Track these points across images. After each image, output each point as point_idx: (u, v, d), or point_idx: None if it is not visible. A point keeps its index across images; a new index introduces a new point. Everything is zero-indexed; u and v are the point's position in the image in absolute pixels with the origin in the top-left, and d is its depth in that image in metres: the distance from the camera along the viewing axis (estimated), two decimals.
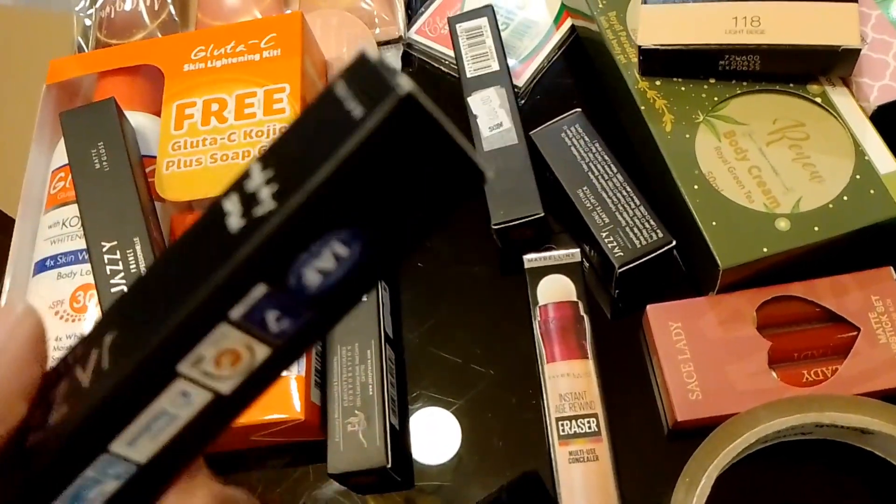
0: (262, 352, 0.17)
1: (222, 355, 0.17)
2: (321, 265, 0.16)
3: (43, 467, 0.17)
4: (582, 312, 0.38)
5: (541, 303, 0.39)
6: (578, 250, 0.40)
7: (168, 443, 0.18)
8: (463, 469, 0.39)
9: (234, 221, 0.16)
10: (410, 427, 0.40)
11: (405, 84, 0.15)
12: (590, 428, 0.36)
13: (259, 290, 0.16)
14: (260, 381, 0.18)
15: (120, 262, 0.37)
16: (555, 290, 0.39)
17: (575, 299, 0.39)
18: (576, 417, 0.36)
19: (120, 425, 0.17)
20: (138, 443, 0.18)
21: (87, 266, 0.39)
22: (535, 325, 0.39)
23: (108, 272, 0.37)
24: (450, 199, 0.17)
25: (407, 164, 0.15)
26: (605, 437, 0.36)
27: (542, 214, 0.40)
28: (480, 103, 0.44)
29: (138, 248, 0.37)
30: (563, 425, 0.36)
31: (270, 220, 0.15)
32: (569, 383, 0.37)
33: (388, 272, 0.20)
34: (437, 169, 0.16)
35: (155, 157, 0.43)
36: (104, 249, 0.38)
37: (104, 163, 0.40)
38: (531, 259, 0.40)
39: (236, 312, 0.16)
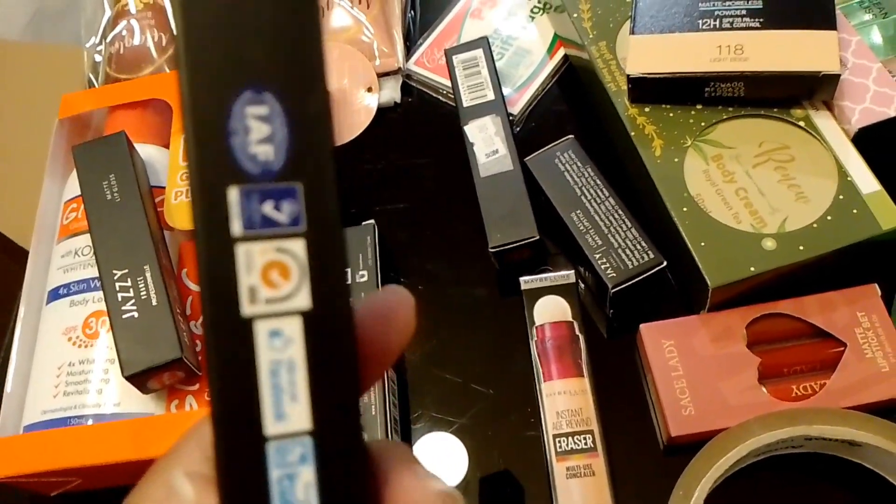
0: (297, 247, 0.17)
1: (267, 275, 0.16)
2: (257, 136, 0.16)
3: (226, 493, 0.16)
4: (577, 332, 0.40)
5: (537, 323, 0.40)
6: (573, 272, 0.41)
7: (314, 392, 0.16)
8: (469, 490, 0.40)
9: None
10: (416, 449, 0.41)
11: None
12: (586, 444, 0.37)
13: (232, 194, 0.16)
14: (327, 277, 0.17)
15: (131, 290, 0.39)
16: (551, 311, 0.40)
17: (570, 319, 0.40)
18: (573, 434, 0.37)
19: (249, 404, 0.16)
20: (285, 411, 0.16)
21: (99, 293, 0.41)
22: (532, 345, 0.40)
23: (120, 299, 0.39)
24: None
25: None
26: (601, 453, 0.37)
27: (538, 237, 0.41)
28: (477, 131, 0.46)
29: (148, 275, 0.39)
30: (560, 442, 0.37)
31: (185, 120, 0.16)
32: (565, 401, 0.38)
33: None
34: None
35: (164, 188, 0.45)
36: (116, 277, 0.39)
37: (115, 194, 0.41)
38: (527, 281, 0.42)
39: (235, 228, 0.16)
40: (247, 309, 0.16)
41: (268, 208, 0.16)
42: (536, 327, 0.40)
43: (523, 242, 0.42)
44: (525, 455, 0.39)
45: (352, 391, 0.17)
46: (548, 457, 0.37)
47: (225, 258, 0.16)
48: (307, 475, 0.16)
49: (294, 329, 0.16)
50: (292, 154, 0.17)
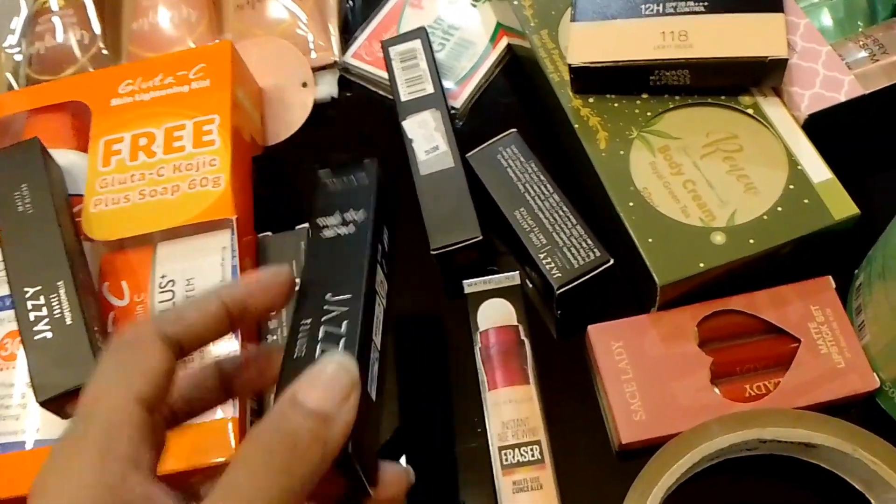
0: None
1: None
2: None
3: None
4: (523, 336, 0.38)
5: (481, 328, 0.39)
6: (517, 273, 0.39)
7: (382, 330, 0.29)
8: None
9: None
10: None
11: None
12: (533, 455, 0.35)
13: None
14: None
15: (44, 308, 0.36)
16: (495, 315, 0.38)
17: (515, 323, 0.38)
18: (519, 446, 0.35)
19: (372, 330, 0.27)
20: (376, 336, 0.28)
21: (13, 312, 0.38)
22: (477, 351, 0.38)
23: (33, 318, 0.36)
24: None
25: None
26: (548, 464, 0.35)
27: (481, 237, 0.39)
28: (416, 127, 0.43)
29: (62, 292, 0.36)
30: (506, 454, 0.35)
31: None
32: (511, 410, 0.36)
33: None
34: None
35: (83, 196, 0.42)
36: (28, 295, 0.36)
37: (27, 205, 0.39)
38: (470, 284, 0.40)
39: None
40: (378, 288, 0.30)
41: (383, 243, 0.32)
42: (480, 333, 0.38)
43: (466, 243, 0.40)
44: (471, 468, 0.38)
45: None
46: (493, 471, 0.35)
47: (371, 274, 0.30)
48: (375, 364, 0.28)
49: (382, 296, 0.30)
50: None
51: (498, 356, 0.38)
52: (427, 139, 0.43)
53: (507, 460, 0.35)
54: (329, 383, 0.23)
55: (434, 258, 0.40)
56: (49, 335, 0.35)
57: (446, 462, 0.38)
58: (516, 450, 0.35)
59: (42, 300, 0.36)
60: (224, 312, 0.25)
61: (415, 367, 0.41)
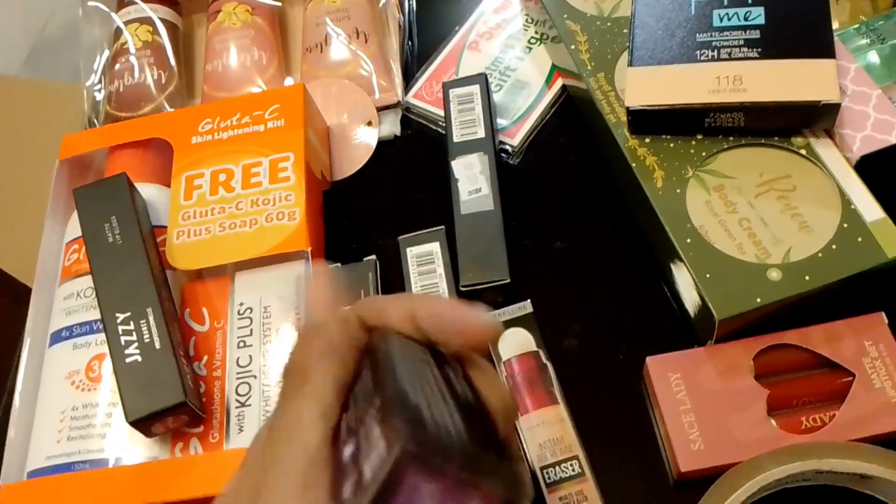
0: None
1: None
2: None
3: None
4: (544, 360, 0.40)
5: (504, 358, 0.41)
6: (529, 301, 0.42)
7: None
8: None
9: None
10: None
11: None
12: (574, 470, 0.37)
13: None
14: None
15: (134, 333, 0.39)
16: (515, 344, 0.41)
17: (535, 349, 0.40)
18: (558, 463, 0.37)
19: None
20: None
21: (102, 336, 0.41)
22: (503, 382, 0.40)
23: (123, 343, 0.38)
24: None
25: None
26: (589, 477, 0.37)
27: (508, 280, 0.42)
28: (463, 168, 0.46)
29: (151, 318, 0.39)
30: (547, 473, 0.37)
31: None
32: (545, 431, 0.38)
33: None
34: None
35: (165, 227, 0.45)
36: (118, 321, 0.39)
37: (117, 236, 0.41)
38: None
39: None
40: None
41: None
42: (504, 363, 0.40)
43: (495, 284, 0.42)
44: None
45: None
46: (539, 490, 0.37)
47: None
48: None
49: None
50: None
51: (524, 383, 0.40)
52: (471, 180, 0.45)
53: (549, 478, 0.37)
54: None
55: (459, 294, 0.42)
56: (139, 359, 0.38)
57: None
58: (557, 467, 0.37)
59: (132, 325, 0.39)
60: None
61: None
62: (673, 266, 0.40)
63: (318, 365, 0.24)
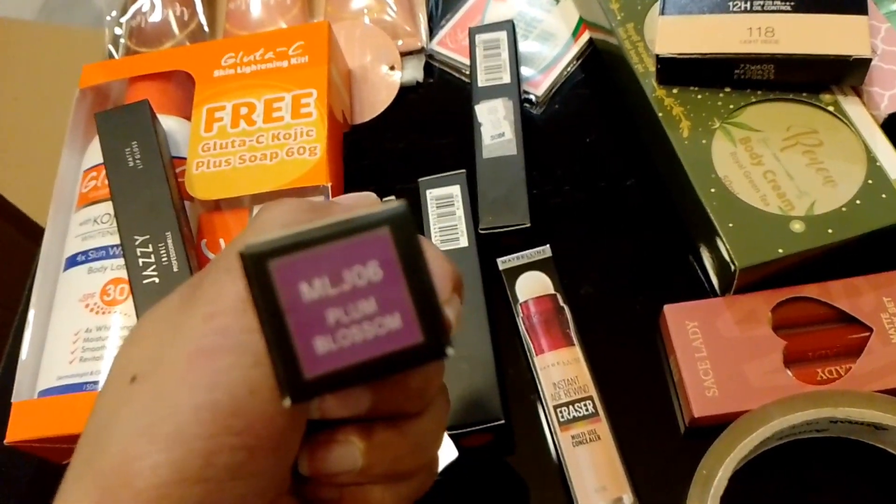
0: None
1: None
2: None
3: None
4: (561, 303, 0.40)
5: (521, 300, 0.41)
6: (548, 246, 0.42)
7: None
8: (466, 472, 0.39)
9: None
10: None
11: None
12: (587, 410, 0.37)
13: None
14: None
15: (152, 255, 0.38)
16: (532, 287, 0.41)
17: (553, 292, 0.41)
18: (572, 402, 0.37)
19: None
20: None
21: (118, 261, 0.41)
22: (519, 322, 0.40)
23: (141, 264, 0.38)
24: None
25: None
26: (603, 417, 0.37)
27: (529, 225, 0.42)
28: (487, 112, 0.45)
29: (170, 241, 0.39)
30: (561, 412, 0.37)
31: None
32: (560, 371, 0.38)
33: None
34: None
35: (184, 159, 0.45)
36: (137, 243, 0.39)
37: (137, 161, 0.41)
38: (505, 260, 0.42)
39: None
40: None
41: None
42: (521, 304, 0.40)
43: (514, 227, 0.42)
44: (524, 428, 0.39)
45: None
46: (552, 429, 0.37)
47: None
48: None
49: None
50: None
51: (541, 324, 0.40)
52: (495, 125, 0.45)
53: (563, 417, 0.37)
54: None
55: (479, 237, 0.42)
56: (157, 280, 0.38)
57: (505, 425, 0.40)
58: (570, 406, 0.37)
59: (150, 248, 0.39)
60: None
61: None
62: (695, 217, 0.40)
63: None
